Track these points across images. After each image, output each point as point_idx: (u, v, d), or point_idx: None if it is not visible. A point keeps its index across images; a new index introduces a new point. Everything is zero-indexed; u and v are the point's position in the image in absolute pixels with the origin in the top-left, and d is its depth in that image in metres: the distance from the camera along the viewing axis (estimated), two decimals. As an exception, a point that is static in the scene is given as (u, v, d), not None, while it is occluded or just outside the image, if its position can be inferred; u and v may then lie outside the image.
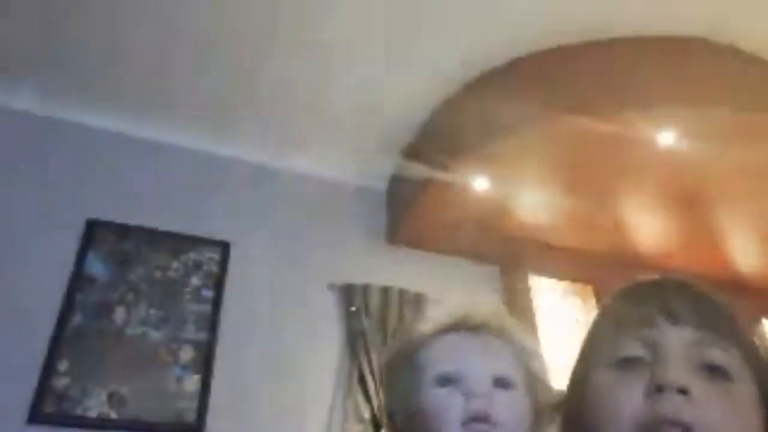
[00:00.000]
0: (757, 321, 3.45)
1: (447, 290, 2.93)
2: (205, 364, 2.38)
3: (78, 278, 2.39)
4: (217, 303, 2.55)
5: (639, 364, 0.54)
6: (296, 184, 3.07)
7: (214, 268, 2.63)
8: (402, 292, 2.80)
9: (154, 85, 2.65)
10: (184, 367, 2.35)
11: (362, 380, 2.49)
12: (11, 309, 2.19)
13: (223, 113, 2.82)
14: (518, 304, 3.08)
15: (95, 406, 2.16)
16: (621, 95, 2.28)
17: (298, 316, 2.68)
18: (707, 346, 0.53)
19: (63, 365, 2.19)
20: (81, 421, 2.13)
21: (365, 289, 2.75)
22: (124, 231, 2.57)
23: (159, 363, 2.33)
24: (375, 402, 2.42)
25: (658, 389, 0.50)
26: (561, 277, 3.22)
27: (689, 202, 2.84)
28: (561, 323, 2.98)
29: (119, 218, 2.58)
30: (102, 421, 2.15)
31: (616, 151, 2.47)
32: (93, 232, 2.52)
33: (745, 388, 0.52)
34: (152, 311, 2.42)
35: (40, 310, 2.26)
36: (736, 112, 2.26)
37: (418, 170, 2.75)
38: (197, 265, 2.61)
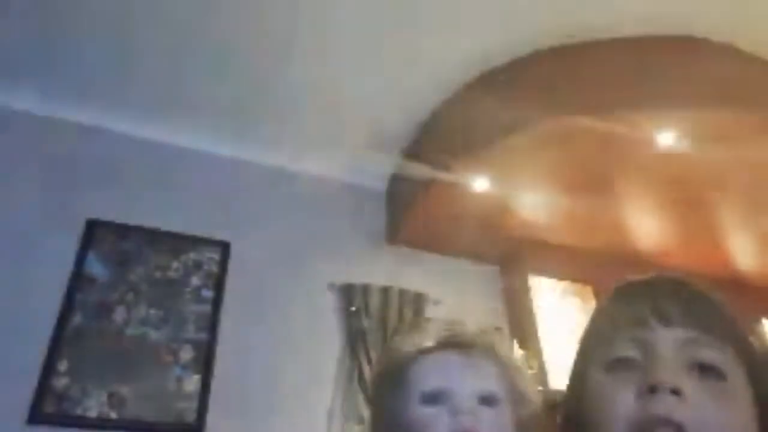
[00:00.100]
0: (757, 321, 3.45)
1: (447, 290, 2.94)
2: (205, 364, 2.38)
3: (78, 278, 2.39)
4: (217, 303, 2.55)
5: (632, 364, 0.54)
6: (296, 184, 3.07)
7: (214, 268, 2.63)
8: (402, 292, 2.80)
9: (159, 86, 2.66)
10: (184, 367, 2.35)
11: (362, 380, 2.49)
12: (11, 309, 2.19)
13: (223, 113, 2.83)
14: (518, 304, 3.08)
15: (95, 406, 2.16)
16: (621, 95, 2.28)
17: (298, 316, 2.68)
18: (699, 346, 0.53)
19: (63, 365, 2.19)
20: (81, 421, 2.13)
21: (365, 289, 2.75)
22: (124, 231, 2.57)
23: (159, 363, 2.33)
24: (375, 402, 2.41)
25: (650, 390, 0.50)
26: (561, 277, 3.22)
27: (689, 202, 2.84)
28: (561, 323, 2.98)
29: (119, 218, 2.58)
30: (102, 421, 2.15)
31: (616, 151, 2.47)
32: (93, 232, 2.52)
33: (738, 387, 0.52)
34: (152, 311, 2.42)
35: (40, 310, 2.26)
36: (736, 112, 2.26)
37: (418, 170, 2.75)
38: (197, 265, 2.61)
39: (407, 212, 2.92)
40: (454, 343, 0.82)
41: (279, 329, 2.60)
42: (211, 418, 2.28)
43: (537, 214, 2.94)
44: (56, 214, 2.48)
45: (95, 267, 2.45)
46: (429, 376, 0.78)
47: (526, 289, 3.10)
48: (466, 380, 0.77)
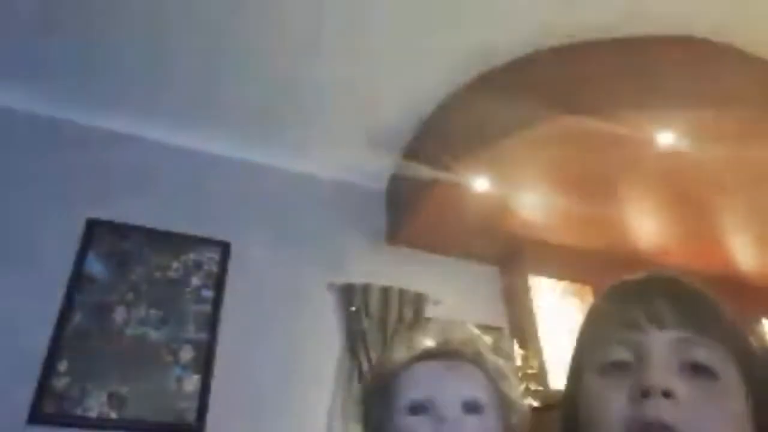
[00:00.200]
0: (757, 321, 3.45)
1: (447, 290, 2.94)
2: (205, 364, 2.38)
3: (78, 278, 2.39)
4: (217, 303, 2.55)
5: (626, 368, 0.54)
6: (296, 184, 3.07)
7: (214, 268, 2.63)
8: (402, 292, 2.80)
9: (156, 86, 2.66)
10: (184, 367, 2.35)
11: (362, 380, 2.49)
12: (11, 309, 2.19)
13: (222, 114, 2.82)
14: (518, 304, 3.08)
15: (95, 406, 2.16)
16: (621, 95, 2.28)
17: (298, 316, 2.68)
18: (692, 346, 0.53)
19: (63, 365, 2.19)
20: (81, 422, 2.13)
21: (365, 289, 2.75)
22: (124, 231, 2.57)
23: (159, 363, 2.33)
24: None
25: (642, 394, 0.51)
26: (560, 277, 3.22)
27: (689, 201, 2.84)
28: (561, 323, 2.98)
29: (119, 218, 2.58)
30: (102, 421, 2.15)
31: (616, 151, 2.47)
32: (93, 232, 2.52)
33: (731, 386, 0.52)
34: (152, 311, 2.42)
35: (40, 310, 2.26)
36: (736, 112, 2.26)
37: (418, 170, 2.75)
38: (197, 265, 2.61)
39: (407, 212, 2.92)
40: (440, 353, 0.82)
41: (279, 329, 2.60)
42: (211, 418, 2.28)
43: (537, 214, 2.94)
44: (56, 214, 2.48)
45: (95, 267, 2.45)
46: (414, 386, 0.79)
47: (526, 289, 3.10)
48: (449, 389, 0.78)
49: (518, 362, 2.72)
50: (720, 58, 2.36)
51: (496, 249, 3.17)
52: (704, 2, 2.25)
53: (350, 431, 2.38)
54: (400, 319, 2.71)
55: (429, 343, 0.84)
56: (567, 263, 3.19)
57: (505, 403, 0.82)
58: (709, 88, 2.25)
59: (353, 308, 2.69)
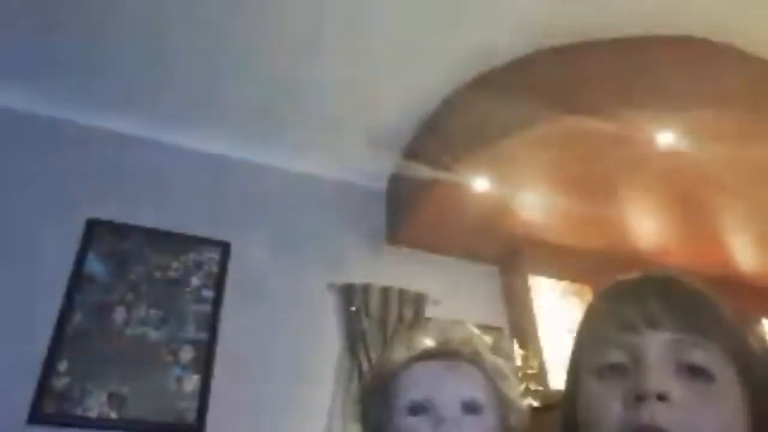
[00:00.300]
0: (757, 321, 3.45)
1: (447, 290, 2.94)
2: (205, 364, 2.38)
3: (78, 278, 2.39)
4: (217, 303, 2.55)
5: (622, 370, 0.54)
6: (296, 184, 3.07)
7: (214, 268, 2.63)
8: (402, 292, 2.80)
9: (156, 86, 2.66)
10: (184, 367, 2.35)
11: (362, 380, 2.49)
12: (11, 309, 2.19)
13: (222, 114, 2.82)
14: (518, 304, 3.08)
15: (95, 406, 2.16)
16: (621, 95, 2.28)
17: (298, 316, 2.68)
18: (688, 347, 0.53)
19: (63, 365, 2.19)
20: (81, 421, 2.13)
21: (365, 289, 2.75)
22: (124, 231, 2.57)
23: (159, 363, 2.33)
24: (375, 402, 2.41)
25: (637, 398, 0.51)
26: (560, 277, 3.23)
27: (689, 201, 2.84)
28: (561, 323, 2.98)
29: (119, 218, 2.58)
30: (102, 421, 2.15)
31: (616, 151, 2.47)
32: (93, 232, 2.52)
33: (727, 387, 0.52)
34: (152, 311, 2.42)
35: (40, 310, 2.26)
36: (736, 112, 2.26)
37: (418, 170, 2.75)
38: (197, 265, 2.61)
39: (407, 212, 2.92)
40: (439, 353, 0.82)
41: (279, 329, 2.60)
42: (211, 418, 2.28)
43: (537, 214, 2.94)
44: (56, 214, 2.48)
45: (95, 267, 2.45)
46: (413, 387, 0.79)
47: (526, 289, 3.10)
48: (449, 389, 0.78)
49: (518, 362, 2.72)
50: (720, 58, 2.36)
51: (496, 249, 3.16)
52: (704, 2, 2.25)
53: (350, 431, 2.38)
54: (400, 319, 2.71)
55: (428, 343, 0.84)
56: (567, 263, 3.19)
57: (504, 403, 0.82)
58: (709, 88, 2.25)
59: (353, 308, 2.69)
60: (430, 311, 2.81)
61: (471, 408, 0.77)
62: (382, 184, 3.25)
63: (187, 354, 2.38)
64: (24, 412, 2.06)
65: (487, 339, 0.89)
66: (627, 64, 2.34)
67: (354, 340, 2.63)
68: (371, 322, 2.67)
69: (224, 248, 2.69)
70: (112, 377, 2.23)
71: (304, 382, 2.52)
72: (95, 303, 2.36)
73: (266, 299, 2.65)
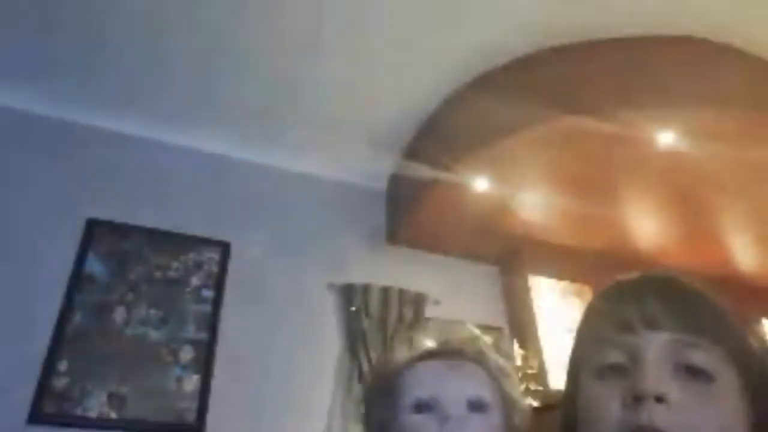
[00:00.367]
0: (757, 321, 3.45)
1: (447, 290, 2.94)
2: (205, 364, 2.38)
3: (78, 278, 2.39)
4: (217, 303, 2.55)
5: (621, 371, 0.54)
6: (296, 184, 3.07)
7: (214, 268, 2.63)
8: (402, 292, 2.80)
9: (155, 86, 2.66)
10: (184, 367, 2.35)
11: (362, 380, 2.49)
12: (11, 309, 2.19)
13: (221, 114, 2.82)
14: (518, 304, 3.09)
15: (95, 406, 2.16)
16: (621, 95, 2.28)
17: (298, 316, 2.68)
18: (687, 347, 0.53)
19: (63, 365, 2.19)
20: (81, 421, 2.13)
21: (365, 289, 2.75)
22: (124, 231, 2.57)
23: (159, 363, 2.33)
24: (375, 402, 2.41)
25: (636, 399, 0.50)
26: (560, 277, 3.23)
27: (689, 201, 2.84)
28: (561, 323, 2.98)
29: (119, 218, 2.58)
30: (102, 421, 2.15)
31: (616, 151, 2.47)
32: (93, 232, 2.52)
33: (727, 388, 0.52)
34: (152, 311, 2.42)
35: (40, 310, 2.26)
36: (736, 112, 2.26)
37: (418, 170, 2.75)
38: (197, 265, 2.61)
39: (407, 212, 2.92)
40: (442, 352, 0.82)
41: (279, 329, 2.60)
42: (211, 418, 2.28)
43: (537, 214, 2.94)
44: (56, 214, 2.48)
45: (95, 267, 2.45)
46: (418, 385, 0.79)
47: (526, 289, 3.10)
48: (454, 387, 0.78)
49: (518, 362, 2.72)
50: (719, 58, 2.36)
51: (496, 249, 3.16)
52: (704, 2, 2.25)
53: (350, 431, 2.38)
54: (400, 319, 2.71)
55: (430, 342, 0.84)
56: (567, 263, 3.19)
57: (507, 402, 0.82)
58: (708, 87, 2.25)
59: (353, 308, 2.69)
60: (430, 311, 2.81)
61: (477, 406, 0.77)
62: (382, 184, 3.25)
63: (187, 354, 2.38)
64: (24, 412, 2.06)
65: (487, 339, 0.89)
66: (627, 64, 2.34)
67: (354, 340, 2.63)
68: (371, 322, 2.67)
69: (224, 248, 2.69)
70: (112, 377, 2.23)
71: (304, 382, 2.52)
72: (95, 303, 2.36)
73: (266, 299, 2.65)
